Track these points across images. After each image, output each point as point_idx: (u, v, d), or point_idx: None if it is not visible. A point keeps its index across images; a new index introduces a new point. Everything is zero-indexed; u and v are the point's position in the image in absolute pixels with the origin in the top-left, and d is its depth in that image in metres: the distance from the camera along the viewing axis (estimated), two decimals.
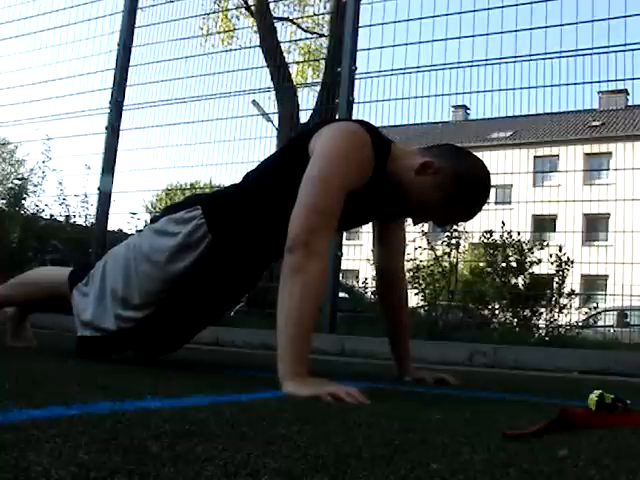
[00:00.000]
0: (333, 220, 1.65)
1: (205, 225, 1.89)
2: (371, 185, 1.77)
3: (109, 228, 5.39)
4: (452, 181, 1.79)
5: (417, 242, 5.34)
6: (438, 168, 1.79)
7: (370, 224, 2.17)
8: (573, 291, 5.05)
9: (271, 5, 7.32)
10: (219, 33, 7.55)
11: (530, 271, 5.05)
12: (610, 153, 9.88)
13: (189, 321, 2.11)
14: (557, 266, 5.02)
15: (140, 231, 2.11)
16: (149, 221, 2.17)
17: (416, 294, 5.16)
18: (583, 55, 4.27)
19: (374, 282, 2.41)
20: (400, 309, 2.19)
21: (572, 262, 5.01)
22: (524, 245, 5.11)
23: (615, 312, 6.43)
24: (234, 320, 4.58)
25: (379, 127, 1.91)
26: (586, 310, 5.62)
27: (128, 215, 6.01)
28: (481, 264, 5.36)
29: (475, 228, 5.33)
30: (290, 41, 7.66)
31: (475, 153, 1.92)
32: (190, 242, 1.88)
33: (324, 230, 1.63)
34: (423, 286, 5.20)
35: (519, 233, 5.12)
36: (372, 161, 1.76)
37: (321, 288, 1.62)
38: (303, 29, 8.16)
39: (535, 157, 8.85)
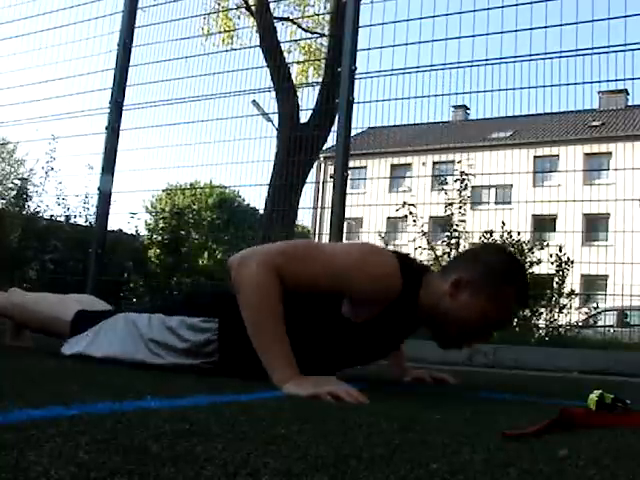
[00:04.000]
0: (287, 268, 1.58)
1: (217, 343, 1.81)
2: (395, 309, 1.70)
3: (109, 228, 5.38)
4: (491, 278, 1.71)
5: (417, 242, 5.34)
6: (469, 280, 1.70)
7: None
8: (573, 291, 5.05)
9: (271, 5, 7.31)
10: (219, 33, 7.55)
11: (530, 271, 5.04)
12: (610, 153, 9.87)
13: None
14: (557, 266, 5.02)
15: (145, 311, 1.98)
16: (166, 307, 2.03)
17: None
18: (583, 55, 4.26)
19: None
20: None
21: (572, 262, 5.01)
22: (524, 245, 5.11)
23: (615, 312, 6.43)
24: None
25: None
26: (586, 310, 5.62)
27: (128, 215, 6.04)
28: None
29: (475, 228, 5.33)
30: (290, 41, 7.65)
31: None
32: (198, 352, 1.83)
33: (269, 261, 1.57)
34: None
35: (519, 233, 5.12)
36: (397, 286, 1.65)
37: (264, 286, 1.56)
38: (303, 29, 8.15)
39: (535, 157, 8.85)
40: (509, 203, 8.22)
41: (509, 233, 5.08)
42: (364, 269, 1.63)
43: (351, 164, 4.28)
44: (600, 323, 6.08)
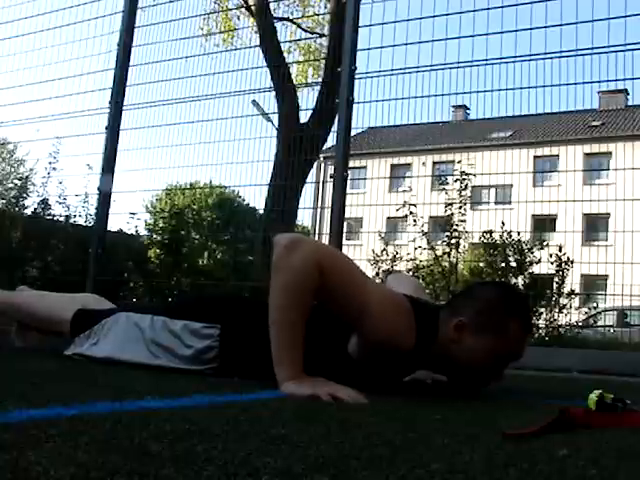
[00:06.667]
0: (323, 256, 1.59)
1: (217, 349, 1.81)
2: (399, 361, 1.71)
3: (109, 228, 5.39)
4: (490, 314, 1.69)
5: (417, 242, 5.34)
6: (469, 321, 1.67)
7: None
8: (573, 291, 5.05)
9: (271, 5, 7.30)
10: (220, 33, 7.55)
11: (530, 271, 5.05)
12: (610, 153, 9.87)
13: None
14: (557, 266, 5.02)
15: (146, 311, 1.98)
16: (168, 309, 2.02)
17: None
18: (583, 55, 4.26)
19: None
20: None
21: (572, 262, 5.01)
22: (524, 245, 5.11)
23: (615, 312, 6.43)
24: None
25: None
26: (586, 310, 5.62)
27: (128, 215, 6.04)
28: (481, 264, 5.36)
29: (475, 228, 5.34)
30: (290, 41, 7.65)
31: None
32: (199, 359, 1.83)
33: (319, 257, 1.56)
34: (423, 286, 5.20)
35: (519, 233, 5.12)
36: (408, 346, 1.65)
37: (305, 281, 1.54)
38: (303, 29, 8.16)
39: (535, 157, 8.84)
40: (509, 203, 8.21)
41: (509, 233, 5.09)
42: (386, 320, 1.61)
43: (351, 164, 4.28)
44: (600, 323, 6.08)
